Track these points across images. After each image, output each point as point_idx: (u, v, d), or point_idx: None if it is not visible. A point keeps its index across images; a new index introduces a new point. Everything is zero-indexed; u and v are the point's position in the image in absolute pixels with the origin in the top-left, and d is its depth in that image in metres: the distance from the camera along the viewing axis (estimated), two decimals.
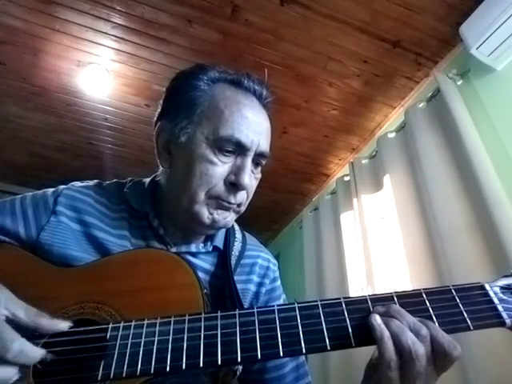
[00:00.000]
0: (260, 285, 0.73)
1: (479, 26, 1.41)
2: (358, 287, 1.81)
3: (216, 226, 0.64)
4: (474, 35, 1.42)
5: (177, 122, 0.64)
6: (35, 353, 0.42)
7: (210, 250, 0.69)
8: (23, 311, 0.44)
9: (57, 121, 2.23)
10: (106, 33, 1.70)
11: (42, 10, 1.60)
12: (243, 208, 0.67)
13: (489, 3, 1.40)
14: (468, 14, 1.48)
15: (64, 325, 0.46)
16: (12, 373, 0.41)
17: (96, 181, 0.74)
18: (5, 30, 1.67)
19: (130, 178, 0.75)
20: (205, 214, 0.62)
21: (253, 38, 1.71)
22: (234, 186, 0.61)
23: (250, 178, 0.64)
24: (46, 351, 0.44)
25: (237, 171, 0.61)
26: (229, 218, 0.65)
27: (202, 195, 0.61)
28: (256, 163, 0.66)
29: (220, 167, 0.61)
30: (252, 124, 0.62)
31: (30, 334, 0.44)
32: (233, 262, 0.69)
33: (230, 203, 0.62)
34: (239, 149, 0.61)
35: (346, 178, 2.20)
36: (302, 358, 0.72)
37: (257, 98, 0.66)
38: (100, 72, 1.89)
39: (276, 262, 0.79)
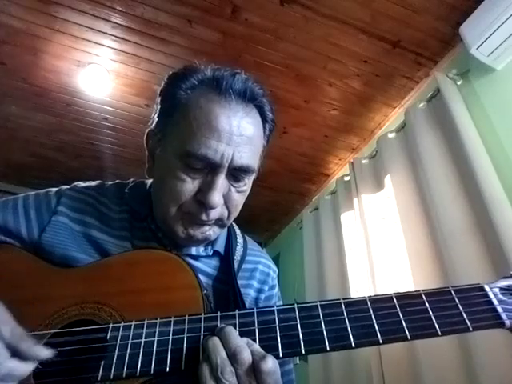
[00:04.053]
0: (260, 291, 0.72)
1: (479, 25, 1.41)
2: (359, 288, 1.80)
3: (195, 239, 0.61)
4: (474, 35, 1.42)
5: (155, 132, 0.63)
6: (24, 370, 0.41)
7: (211, 254, 0.68)
8: (9, 331, 0.41)
9: (57, 121, 2.23)
10: (106, 33, 1.70)
11: (42, 10, 1.60)
12: (228, 222, 0.64)
13: (489, 3, 1.40)
14: (468, 13, 1.48)
15: (46, 353, 0.43)
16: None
17: (98, 181, 0.73)
18: (5, 30, 1.67)
19: (132, 179, 0.74)
20: (179, 228, 0.60)
21: (253, 38, 1.71)
22: (203, 203, 0.57)
23: (229, 194, 0.60)
24: (37, 364, 0.43)
25: (205, 189, 0.57)
26: (209, 232, 0.62)
27: (173, 210, 0.59)
28: (236, 177, 0.59)
29: (189, 184, 0.57)
30: (224, 135, 0.55)
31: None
32: (235, 266, 0.68)
33: (202, 220, 0.59)
34: (208, 165, 0.56)
35: (346, 178, 2.19)
36: (289, 366, 0.70)
37: (242, 100, 0.59)
38: (100, 72, 1.89)
39: (276, 270, 0.78)
